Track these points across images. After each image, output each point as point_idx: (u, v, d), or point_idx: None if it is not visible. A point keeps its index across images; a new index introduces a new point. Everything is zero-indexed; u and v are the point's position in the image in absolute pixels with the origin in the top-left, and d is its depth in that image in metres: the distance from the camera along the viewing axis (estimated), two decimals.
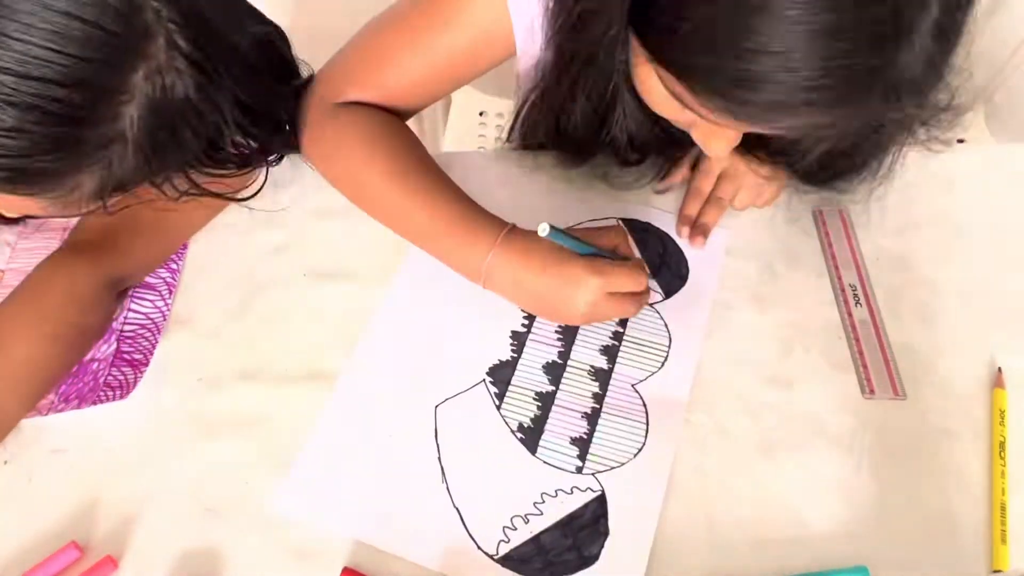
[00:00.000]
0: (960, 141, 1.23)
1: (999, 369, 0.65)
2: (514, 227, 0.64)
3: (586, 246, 0.62)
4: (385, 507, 0.58)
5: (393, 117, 0.70)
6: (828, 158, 0.68)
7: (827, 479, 0.60)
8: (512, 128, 0.75)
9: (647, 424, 0.62)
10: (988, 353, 0.66)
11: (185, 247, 0.71)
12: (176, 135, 0.50)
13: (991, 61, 1.19)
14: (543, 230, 0.57)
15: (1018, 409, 0.63)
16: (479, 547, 0.56)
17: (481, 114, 1.32)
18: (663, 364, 0.65)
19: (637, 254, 0.71)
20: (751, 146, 0.70)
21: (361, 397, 0.63)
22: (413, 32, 0.67)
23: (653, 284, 0.70)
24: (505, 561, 0.56)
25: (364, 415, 0.62)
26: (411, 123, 0.79)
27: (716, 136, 0.57)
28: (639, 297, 0.64)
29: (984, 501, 0.59)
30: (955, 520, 0.58)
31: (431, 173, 0.67)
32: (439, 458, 0.60)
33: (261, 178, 0.68)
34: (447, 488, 0.58)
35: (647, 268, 0.67)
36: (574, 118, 0.67)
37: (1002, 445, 0.61)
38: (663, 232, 0.73)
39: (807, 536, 0.57)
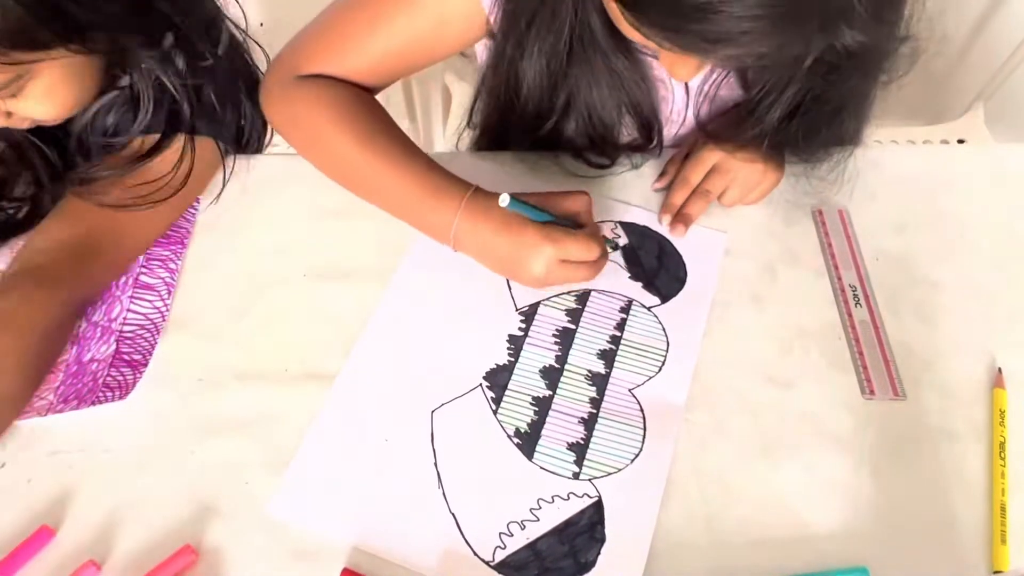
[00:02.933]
0: (960, 141, 1.23)
1: (999, 369, 0.65)
2: (478, 188, 0.66)
3: (544, 214, 0.63)
4: (381, 512, 0.57)
5: (358, 88, 0.72)
6: (801, 120, 0.69)
7: (827, 479, 0.60)
8: (472, 111, 0.77)
9: (644, 429, 0.61)
10: (988, 353, 0.66)
11: (184, 247, 0.71)
12: None
13: (991, 61, 1.19)
14: (503, 200, 0.59)
15: (1018, 409, 0.63)
16: (475, 553, 0.56)
17: None
18: (660, 368, 0.65)
19: (621, 239, 0.72)
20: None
21: (357, 400, 0.62)
22: (377, 15, 0.68)
23: (641, 291, 0.69)
24: (502, 567, 0.55)
25: (360, 419, 0.62)
26: (407, 125, 0.79)
27: (679, 63, 0.59)
28: (595, 264, 0.65)
29: (984, 501, 0.59)
30: (955, 520, 0.58)
31: (398, 138, 0.69)
32: (435, 463, 0.59)
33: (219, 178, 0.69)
34: (443, 494, 0.58)
35: (604, 237, 0.68)
36: (526, 84, 0.69)
37: (1002, 445, 0.61)
38: (661, 236, 0.73)
39: (807, 536, 0.57)
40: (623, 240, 0.72)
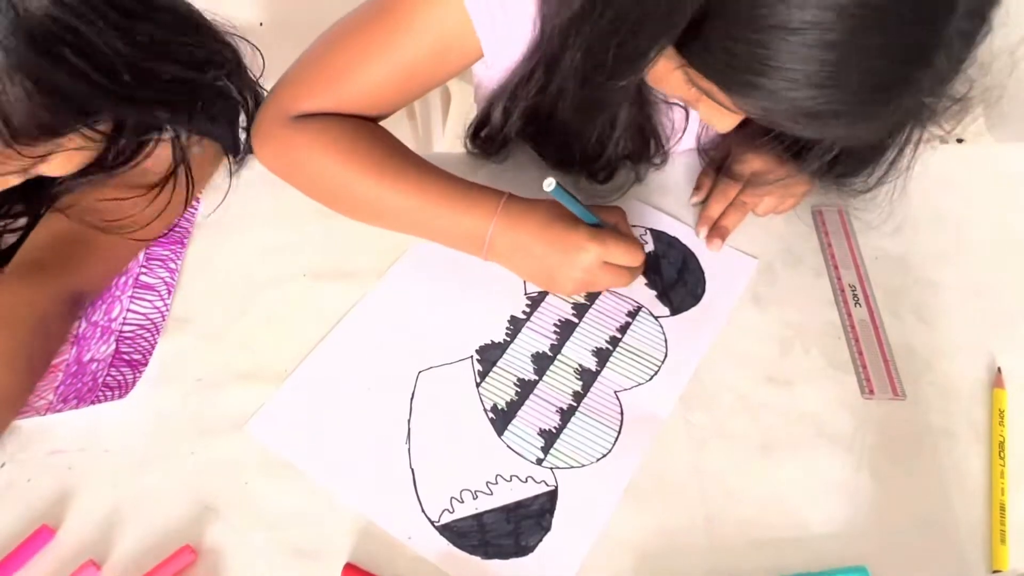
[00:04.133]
0: (960, 141, 1.23)
1: (999, 369, 0.65)
2: (511, 195, 0.65)
3: (588, 212, 0.62)
4: (347, 453, 0.60)
5: (359, 119, 0.69)
6: (841, 159, 0.66)
7: (827, 479, 0.60)
8: (482, 125, 0.73)
9: (619, 432, 0.61)
10: (988, 353, 0.66)
11: (184, 247, 0.71)
12: (57, 57, 0.49)
13: (991, 61, 1.19)
14: (548, 185, 0.57)
15: (1018, 409, 0.63)
16: (423, 510, 0.57)
17: None
18: (652, 378, 0.64)
19: (648, 245, 0.72)
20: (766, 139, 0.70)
21: (352, 347, 0.65)
22: (370, 45, 0.65)
23: (653, 300, 0.69)
24: (444, 530, 0.56)
25: (350, 364, 0.64)
26: (407, 123, 0.78)
27: (724, 115, 0.57)
28: (635, 271, 0.65)
29: (984, 501, 0.59)
30: (955, 520, 0.58)
31: (413, 160, 0.68)
32: (408, 419, 0.61)
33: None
34: (408, 449, 0.60)
35: (644, 250, 0.67)
36: (573, 128, 0.66)
37: (1001, 445, 0.61)
38: (688, 250, 0.72)
39: (807, 536, 0.57)
40: (649, 246, 0.72)
